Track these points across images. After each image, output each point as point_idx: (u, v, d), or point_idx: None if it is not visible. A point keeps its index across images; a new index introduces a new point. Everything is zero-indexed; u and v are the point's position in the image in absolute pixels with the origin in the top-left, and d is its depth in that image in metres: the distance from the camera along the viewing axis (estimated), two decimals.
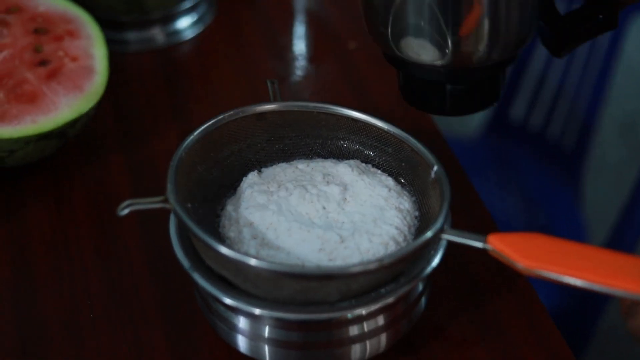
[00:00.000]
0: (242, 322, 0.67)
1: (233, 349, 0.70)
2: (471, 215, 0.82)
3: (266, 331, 0.67)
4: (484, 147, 1.44)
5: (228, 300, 0.65)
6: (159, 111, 0.93)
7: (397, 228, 0.68)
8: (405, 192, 0.72)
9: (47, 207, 0.83)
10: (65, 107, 0.81)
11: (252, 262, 0.62)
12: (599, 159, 1.84)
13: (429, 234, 0.65)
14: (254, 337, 0.67)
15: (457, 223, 0.70)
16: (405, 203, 0.71)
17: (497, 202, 1.32)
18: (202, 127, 0.72)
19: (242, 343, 0.68)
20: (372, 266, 0.63)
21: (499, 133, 1.44)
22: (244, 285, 0.65)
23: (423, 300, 0.70)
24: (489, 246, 0.63)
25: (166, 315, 0.74)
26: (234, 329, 0.68)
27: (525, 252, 0.61)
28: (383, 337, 0.68)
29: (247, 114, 0.74)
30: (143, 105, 0.93)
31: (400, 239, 0.68)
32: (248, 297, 0.65)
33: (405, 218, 0.70)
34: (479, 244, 0.63)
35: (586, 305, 1.21)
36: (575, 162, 1.39)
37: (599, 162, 1.85)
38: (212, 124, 0.72)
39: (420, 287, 0.69)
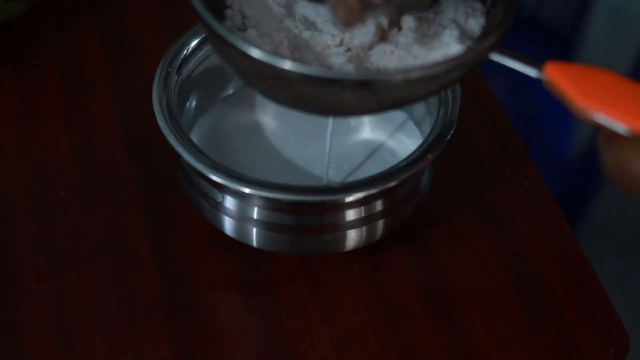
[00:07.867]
0: (229, 202, 0.63)
1: (216, 232, 0.65)
2: (479, 100, 0.77)
3: (255, 212, 0.62)
4: None
5: (215, 178, 0.60)
6: None
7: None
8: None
9: (13, 76, 0.78)
10: None
11: (285, 64, 0.52)
12: (592, 46, 1.84)
13: (488, 41, 0.54)
14: (241, 218, 0.63)
15: (466, 110, 0.65)
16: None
17: None
18: None
19: (228, 225, 0.64)
20: (430, 70, 0.54)
21: None
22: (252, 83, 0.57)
23: (425, 185, 0.66)
24: (544, 77, 0.53)
25: (144, 196, 0.70)
26: (219, 209, 0.63)
27: (587, 90, 0.52)
28: (380, 224, 0.64)
29: None
30: None
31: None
32: (237, 176, 0.60)
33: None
34: (532, 72, 0.54)
35: (585, 190, 1.19)
36: (569, 47, 1.37)
37: (593, 49, 1.85)
38: None
39: (423, 171, 0.65)
